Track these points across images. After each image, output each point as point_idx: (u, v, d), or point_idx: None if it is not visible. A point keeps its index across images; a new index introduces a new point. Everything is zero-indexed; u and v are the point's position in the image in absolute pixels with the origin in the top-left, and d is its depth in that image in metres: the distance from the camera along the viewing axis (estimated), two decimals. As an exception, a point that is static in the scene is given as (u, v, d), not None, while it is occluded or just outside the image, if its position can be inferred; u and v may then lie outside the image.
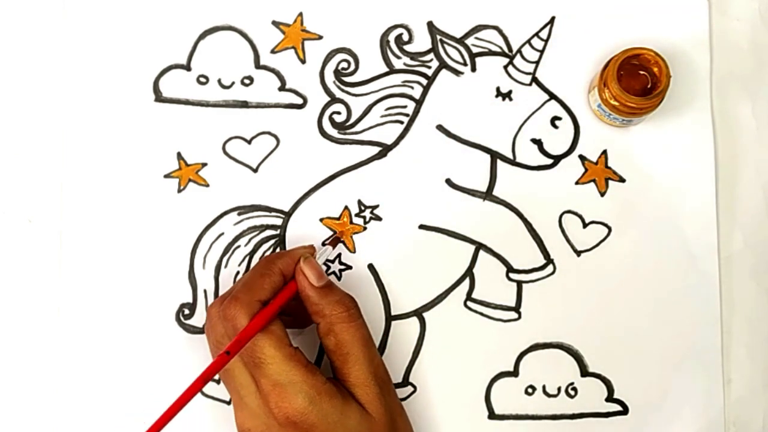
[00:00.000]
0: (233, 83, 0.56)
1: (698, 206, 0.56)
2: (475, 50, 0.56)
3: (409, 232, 0.55)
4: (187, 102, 0.56)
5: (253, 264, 0.55)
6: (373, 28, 0.56)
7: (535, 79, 0.56)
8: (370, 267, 0.55)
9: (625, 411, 0.55)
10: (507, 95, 0.56)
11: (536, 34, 0.56)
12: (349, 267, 0.55)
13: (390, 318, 0.55)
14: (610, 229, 0.56)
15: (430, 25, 0.56)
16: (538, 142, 0.56)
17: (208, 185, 0.55)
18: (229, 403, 0.54)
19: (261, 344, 0.47)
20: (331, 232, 0.55)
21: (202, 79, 0.56)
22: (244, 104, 0.56)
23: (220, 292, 0.55)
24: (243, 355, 0.48)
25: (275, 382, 0.47)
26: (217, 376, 0.54)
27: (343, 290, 0.50)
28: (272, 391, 0.47)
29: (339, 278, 0.55)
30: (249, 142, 0.56)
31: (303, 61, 0.56)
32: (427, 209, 0.55)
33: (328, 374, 0.50)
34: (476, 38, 0.56)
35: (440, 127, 0.56)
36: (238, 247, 0.55)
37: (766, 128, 0.57)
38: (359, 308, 0.50)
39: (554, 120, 0.56)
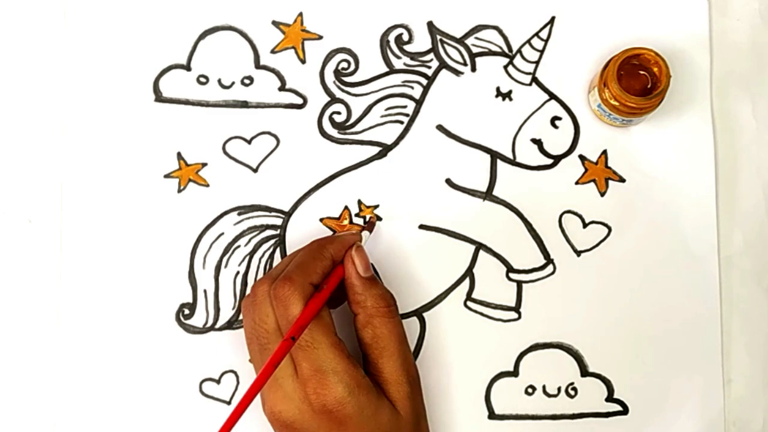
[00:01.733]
0: (233, 83, 0.56)
1: (698, 206, 0.56)
2: (475, 50, 0.56)
3: (409, 232, 0.55)
4: (187, 102, 0.56)
5: (253, 263, 0.55)
6: (373, 28, 0.56)
7: (535, 79, 0.56)
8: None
9: (625, 411, 0.55)
10: (507, 95, 0.56)
11: (536, 34, 0.56)
12: (349, 267, 0.55)
13: (390, 318, 0.55)
14: (610, 229, 0.56)
15: (430, 25, 0.56)
16: (538, 142, 0.56)
17: (208, 185, 0.55)
18: (229, 403, 0.54)
19: (311, 328, 0.47)
20: (331, 232, 0.55)
21: (202, 79, 0.56)
22: (244, 104, 0.56)
23: (220, 292, 0.55)
24: (284, 333, 0.47)
25: (317, 368, 0.47)
26: (217, 375, 0.54)
27: (385, 286, 0.51)
28: (312, 377, 0.47)
29: (339, 278, 0.55)
30: (249, 142, 0.56)
31: (303, 61, 0.56)
32: (427, 209, 0.55)
33: None
34: (476, 38, 0.56)
35: (440, 127, 0.56)
36: (238, 247, 0.55)
37: (766, 128, 0.57)
38: (397, 306, 0.51)
39: (554, 120, 0.56)
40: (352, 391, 0.47)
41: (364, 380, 0.47)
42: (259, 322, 0.49)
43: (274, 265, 0.55)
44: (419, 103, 0.56)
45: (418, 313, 0.55)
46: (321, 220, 0.55)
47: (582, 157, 0.56)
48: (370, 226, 0.54)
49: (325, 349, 0.47)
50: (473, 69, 0.56)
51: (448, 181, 0.56)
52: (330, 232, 0.55)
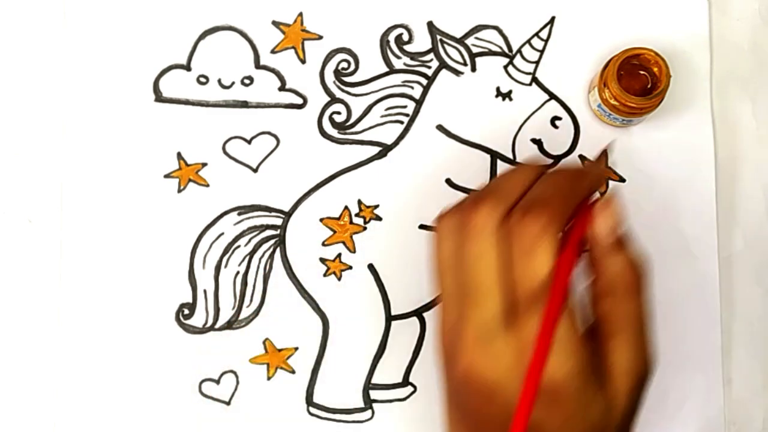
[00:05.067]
0: (233, 83, 0.56)
1: (698, 206, 0.56)
2: (475, 50, 0.56)
3: (409, 232, 0.55)
4: (187, 102, 0.56)
5: (253, 263, 0.55)
6: (373, 28, 0.56)
7: (535, 79, 0.56)
8: (370, 267, 0.55)
9: (625, 411, 0.55)
10: (507, 95, 0.56)
11: (536, 34, 0.56)
12: (349, 267, 0.55)
13: (390, 318, 0.55)
14: (610, 229, 0.56)
15: (430, 25, 0.56)
16: (538, 142, 0.56)
17: (208, 185, 0.55)
18: (228, 403, 0.54)
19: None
20: (331, 233, 0.55)
21: (202, 79, 0.56)
22: (244, 104, 0.56)
23: (220, 292, 0.55)
24: (520, 292, 0.38)
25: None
26: (216, 375, 0.54)
27: (638, 251, 0.41)
28: (537, 342, 0.37)
29: (339, 278, 0.55)
30: (249, 142, 0.56)
31: (303, 61, 0.56)
32: (427, 209, 0.55)
33: None
34: (476, 38, 0.56)
35: (440, 127, 0.56)
36: (238, 247, 0.55)
37: (766, 128, 0.57)
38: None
39: (554, 120, 0.56)
40: (577, 370, 0.38)
41: (590, 362, 0.38)
42: (473, 258, 0.38)
43: (274, 265, 0.55)
44: (419, 103, 0.56)
45: (418, 313, 0.55)
46: (321, 220, 0.55)
47: (582, 157, 0.56)
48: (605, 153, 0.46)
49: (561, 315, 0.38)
50: (473, 69, 0.56)
51: (448, 181, 0.56)
52: (330, 232, 0.55)
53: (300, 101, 0.56)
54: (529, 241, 0.38)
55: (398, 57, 0.56)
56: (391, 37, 0.56)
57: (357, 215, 0.55)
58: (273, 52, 0.56)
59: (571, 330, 0.38)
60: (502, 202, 0.39)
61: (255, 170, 0.56)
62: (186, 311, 0.55)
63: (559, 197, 0.39)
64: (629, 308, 0.40)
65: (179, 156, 0.55)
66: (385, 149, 0.56)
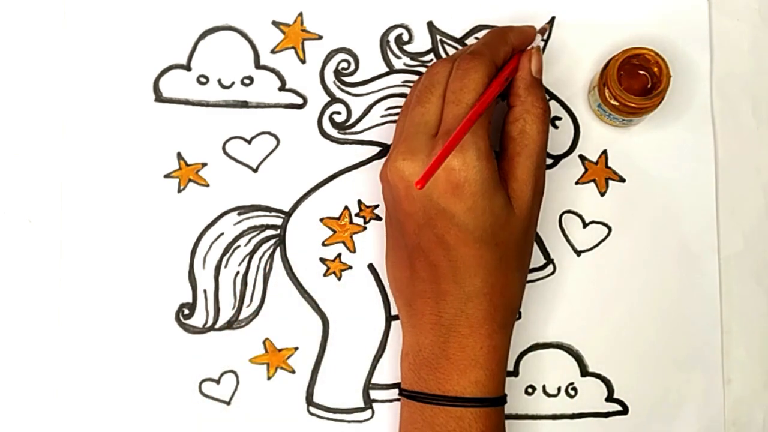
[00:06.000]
0: (233, 83, 0.56)
1: (698, 206, 0.56)
2: (475, 50, 0.56)
3: (409, 232, 0.55)
4: (187, 102, 0.56)
5: (253, 263, 0.55)
6: (373, 28, 0.56)
7: (535, 79, 0.56)
8: (370, 267, 0.55)
9: (625, 411, 0.55)
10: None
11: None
12: (349, 267, 0.55)
13: (390, 318, 0.55)
14: (610, 229, 0.56)
15: (430, 25, 0.56)
16: (538, 142, 0.56)
17: (208, 185, 0.55)
18: (228, 403, 0.54)
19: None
20: (331, 233, 0.55)
21: (202, 79, 0.56)
22: (244, 104, 0.56)
23: (220, 292, 0.55)
24: (449, 92, 0.48)
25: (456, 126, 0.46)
26: (216, 375, 0.54)
27: None
28: (448, 134, 0.46)
29: (339, 278, 0.55)
30: (249, 142, 0.56)
31: (303, 61, 0.56)
32: (427, 209, 0.55)
33: None
34: (476, 38, 0.56)
35: (440, 127, 0.56)
36: (238, 247, 0.55)
37: (766, 128, 0.57)
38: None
39: (554, 120, 0.56)
40: (480, 158, 0.46)
41: (494, 160, 0.47)
42: (429, 79, 0.49)
43: (274, 265, 0.55)
44: (419, 103, 0.56)
45: (418, 313, 0.55)
46: (321, 220, 0.55)
47: (582, 157, 0.56)
48: (543, 30, 0.53)
49: (474, 113, 0.46)
50: (473, 69, 0.56)
51: (448, 181, 0.56)
52: (330, 232, 0.55)
53: (300, 101, 0.56)
54: (463, 69, 0.48)
55: (398, 57, 0.56)
56: (391, 37, 0.56)
57: (357, 215, 0.55)
58: (273, 52, 0.56)
59: (484, 136, 0.47)
60: (451, 57, 0.51)
61: (255, 170, 0.56)
62: (186, 311, 0.55)
63: (489, 44, 0.50)
64: (537, 130, 0.49)
65: (179, 156, 0.55)
66: (385, 149, 0.56)
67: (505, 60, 0.50)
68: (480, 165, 0.46)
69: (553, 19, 0.56)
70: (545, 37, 0.55)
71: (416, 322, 0.49)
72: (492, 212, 0.47)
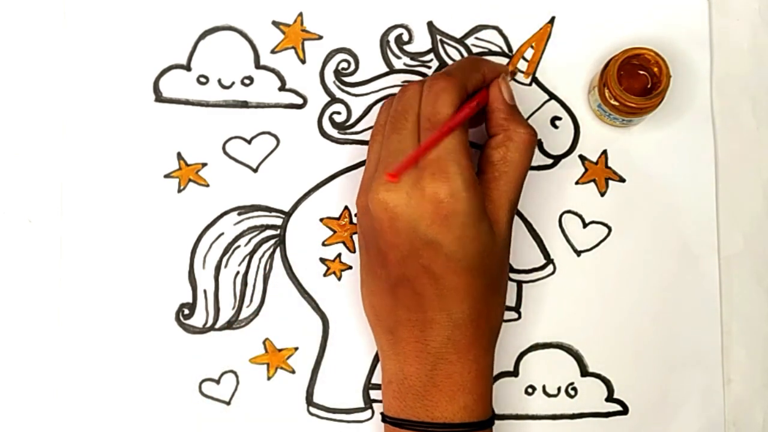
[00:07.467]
0: (233, 83, 0.56)
1: (698, 206, 0.56)
2: (475, 50, 0.56)
3: (409, 232, 0.55)
4: (187, 102, 0.56)
5: (253, 263, 0.55)
6: (373, 28, 0.56)
7: (535, 79, 0.56)
8: (370, 267, 0.55)
9: (625, 411, 0.55)
10: (507, 95, 0.56)
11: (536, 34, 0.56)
12: (349, 267, 0.55)
13: (390, 318, 0.55)
14: (610, 229, 0.56)
15: (430, 25, 0.56)
16: (538, 142, 0.56)
17: (208, 185, 0.55)
18: (228, 403, 0.54)
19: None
20: (331, 233, 0.55)
21: (202, 79, 0.56)
22: (244, 104, 0.56)
23: (220, 292, 0.55)
24: (423, 119, 0.47)
25: (441, 156, 0.46)
26: (216, 375, 0.54)
27: None
28: (434, 163, 0.46)
29: (339, 278, 0.55)
30: (249, 142, 0.56)
31: (303, 61, 0.56)
32: (427, 209, 0.55)
33: None
34: (476, 38, 0.56)
35: (440, 127, 0.56)
36: (238, 247, 0.55)
37: (766, 128, 0.57)
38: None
39: (554, 120, 0.56)
40: (468, 188, 0.45)
41: (479, 187, 0.47)
42: (402, 104, 0.48)
43: (274, 265, 0.55)
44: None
45: (418, 313, 0.55)
46: (321, 220, 0.55)
47: (582, 157, 0.56)
48: (513, 72, 0.55)
49: (456, 142, 0.46)
50: (473, 69, 0.56)
51: (448, 181, 0.56)
52: (330, 232, 0.55)
53: (300, 101, 0.56)
54: (434, 91, 0.47)
55: (398, 57, 0.56)
56: (391, 37, 0.56)
57: (357, 215, 0.55)
58: (273, 52, 0.56)
59: (468, 165, 0.46)
60: (423, 80, 0.50)
61: (255, 170, 0.56)
62: (186, 311, 0.55)
63: (461, 68, 0.50)
64: (519, 157, 0.49)
65: (179, 156, 0.55)
66: (385, 149, 0.56)
67: (476, 88, 0.50)
68: (468, 195, 0.45)
69: (553, 19, 0.56)
70: (510, 78, 0.55)
71: (399, 350, 0.48)
72: (479, 240, 0.46)
